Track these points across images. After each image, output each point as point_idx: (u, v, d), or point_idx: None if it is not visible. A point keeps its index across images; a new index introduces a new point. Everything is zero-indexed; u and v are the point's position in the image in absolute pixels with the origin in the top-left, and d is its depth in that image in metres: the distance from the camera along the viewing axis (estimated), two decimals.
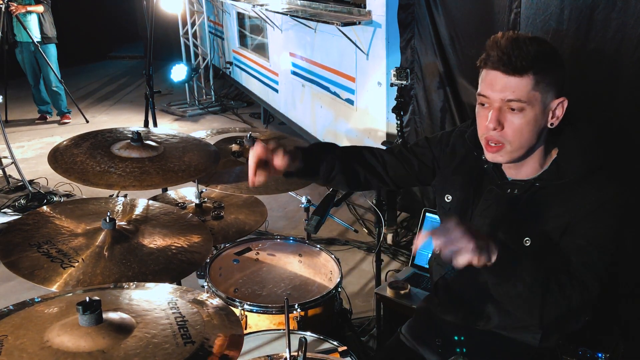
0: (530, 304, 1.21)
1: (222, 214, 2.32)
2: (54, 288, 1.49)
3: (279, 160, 1.37)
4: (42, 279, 1.51)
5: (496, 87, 1.27)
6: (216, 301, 1.35)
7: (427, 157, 1.58)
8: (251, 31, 6.53)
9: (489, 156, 1.34)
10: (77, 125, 6.39)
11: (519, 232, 1.34)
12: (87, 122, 6.50)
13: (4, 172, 4.52)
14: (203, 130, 2.59)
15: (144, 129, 2.25)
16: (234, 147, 2.36)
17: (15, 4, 5.69)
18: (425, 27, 3.13)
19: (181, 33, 7.15)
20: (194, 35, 7.15)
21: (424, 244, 1.19)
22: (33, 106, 6.63)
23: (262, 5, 5.17)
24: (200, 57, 7.32)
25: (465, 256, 1.11)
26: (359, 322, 2.79)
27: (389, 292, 2.29)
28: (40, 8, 5.88)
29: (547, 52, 1.26)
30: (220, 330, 1.22)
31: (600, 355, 1.68)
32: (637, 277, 2.03)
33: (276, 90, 5.74)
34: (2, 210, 4.05)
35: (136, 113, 6.78)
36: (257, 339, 1.75)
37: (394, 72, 2.95)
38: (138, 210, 1.92)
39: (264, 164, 1.38)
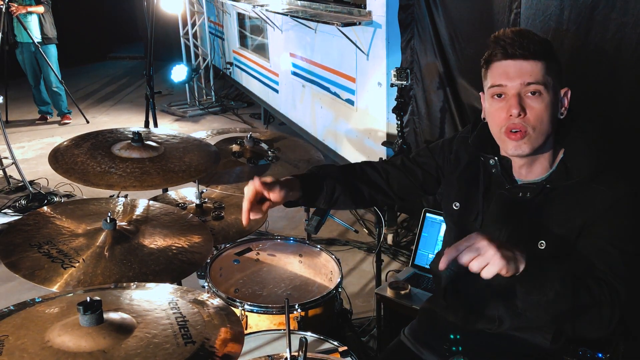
0: (562, 311, 1.18)
1: (222, 214, 2.32)
2: (55, 288, 1.49)
3: (276, 196, 1.34)
4: (43, 279, 1.52)
5: (512, 74, 1.28)
6: (217, 301, 1.35)
7: (430, 166, 1.57)
8: (251, 31, 6.53)
9: (512, 147, 1.31)
10: (77, 126, 6.40)
11: (532, 236, 1.33)
12: (88, 122, 6.51)
13: (5, 172, 4.52)
14: (203, 131, 2.59)
15: (144, 129, 2.25)
16: (235, 147, 2.37)
17: (16, 5, 5.70)
18: (425, 27, 3.14)
19: (181, 33, 7.16)
20: (194, 36, 7.15)
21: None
22: (33, 107, 6.64)
23: (262, 5, 5.17)
24: (200, 57, 7.33)
25: (493, 267, 1.08)
26: (359, 322, 2.79)
27: (389, 293, 2.29)
28: (40, 9, 5.89)
29: (548, 42, 1.31)
30: (221, 330, 1.22)
31: (600, 355, 1.68)
32: (637, 276, 2.02)
33: (276, 91, 5.75)
34: (2, 211, 4.06)
35: (136, 113, 6.79)
36: (258, 339, 1.75)
37: (394, 73, 2.95)
38: (138, 211, 1.92)
39: (259, 199, 1.35)
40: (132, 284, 1.42)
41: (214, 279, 2.07)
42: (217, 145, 2.34)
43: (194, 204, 2.36)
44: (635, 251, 1.27)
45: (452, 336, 1.52)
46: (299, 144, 2.57)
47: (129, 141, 2.06)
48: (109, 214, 1.71)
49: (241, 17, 6.64)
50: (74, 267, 1.56)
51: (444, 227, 2.41)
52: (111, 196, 3.08)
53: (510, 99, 1.29)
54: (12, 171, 4.54)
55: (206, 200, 2.40)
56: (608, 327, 1.22)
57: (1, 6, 5.41)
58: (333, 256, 2.17)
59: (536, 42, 1.27)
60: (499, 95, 1.32)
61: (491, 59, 1.32)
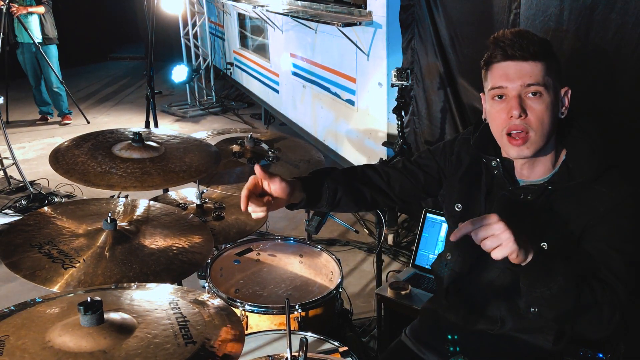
0: (564, 308, 1.19)
1: (223, 214, 2.32)
2: (55, 288, 1.50)
3: (276, 187, 1.30)
4: (44, 279, 1.52)
5: (512, 75, 1.28)
6: (217, 301, 1.35)
7: (432, 167, 1.57)
8: (252, 32, 6.53)
9: (514, 151, 1.31)
10: (78, 126, 6.40)
11: (534, 237, 1.32)
12: (88, 122, 6.51)
13: (5, 173, 4.53)
14: (204, 131, 2.59)
15: (145, 129, 2.26)
16: (235, 147, 2.37)
17: (17, 5, 5.70)
18: (425, 27, 3.14)
19: (182, 34, 7.16)
20: (195, 36, 7.16)
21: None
22: (34, 107, 6.65)
23: (262, 6, 5.17)
24: (201, 57, 7.33)
25: (505, 249, 1.10)
26: (359, 322, 2.79)
27: (389, 293, 2.29)
28: (41, 9, 5.90)
29: (547, 42, 1.31)
30: (222, 330, 1.23)
31: (601, 355, 1.68)
32: (637, 276, 2.02)
33: (277, 91, 5.75)
34: (3, 211, 4.06)
35: (137, 114, 6.79)
36: (258, 340, 1.75)
37: (395, 73, 2.95)
38: (139, 211, 1.93)
39: (260, 193, 1.31)
40: (132, 284, 1.42)
41: (214, 279, 2.07)
42: (217, 145, 2.35)
43: (195, 204, 2.36)
44: (636, 253, 1.27)
45: (449, 336, 1.52)
46: (299, 145, 2.57)
47: (130, 141, 2.06)
48: (110, 214, 1.72)
49: (242, 18, 6.64)
50: (75, 267, 1.57)
51: (444, 227, 2.41)
52: (112, 196, 3.09)
53: (510, 100, 1.29)
54: (12, 171, 4.54)
55: (207, 200, 2.40)
56: (607, 328, 1.22)
57: (2, 7, 5.42)
58: (333, 256, 2.17)
59: (535, 42, 1.27)
60: (500, 97, 1.32)
61: (491, 60, 1.32)
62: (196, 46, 7.24)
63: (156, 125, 3.73)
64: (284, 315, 1.56)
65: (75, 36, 9.07)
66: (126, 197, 2.82)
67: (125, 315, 1.21)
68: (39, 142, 5.95)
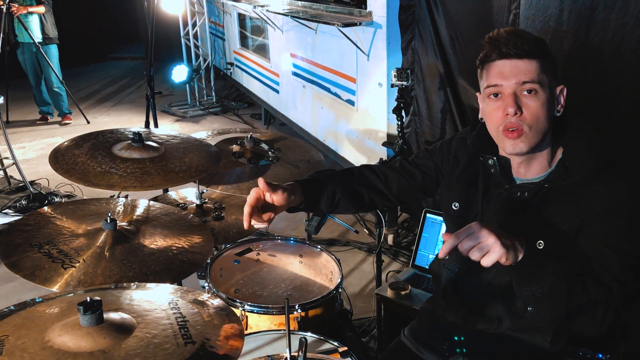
0: (557, 306, 1.19)
1: (222, 214, 2.32)
2: (55, 288, 1.50)
3: (279, 198, 1.32)
4: (43, 279, 1.52)
5: (507, 73, 1.29)
6: (217, 302, 1.35)
7: (429, 167, 1.57)
8: (252, 32, 6.53)
9: (510, 145, 1.32)
10: (78, 126, 6.40)
11: (531, 235, 1.33)
12: (88, 122, 6.51)
13: (5, 172, 4.53)
14: (204, 131, 2.59)
15: (145, 129, 2.26)
16: (235, 147, 2.37)
17: (17, 5, 5.71)
18: (425, 28, 3.14)
19: (182, 34, 7.17)
20: (195, 36, 7.16)
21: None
22: (34, 107, 6.65)
23: (263, 6, 5.18)
24: (201, 58, 7.33)
25: (493, 255, 1.09)
26: (359, 322, 2.79)
27: (389, 293, 2.29)
28: (41, 9, 5.90)
29: (542, 40, 1.32)
30: (221, 330, 1.23)
31: (600, 355, 1.68)
32: (637, 277, 2.02)
33: (277, 91, 5.75)
34: (3, 211, 4.06)
35: (137, 114, 6.79)
36: (258, 340, 1.75)
37: (395, 73, 2.95)
38: (139, 211, 1.93)
39: (262, 206, 1.31)
40: (132, 284, 1.42)
41: (214, 279, 2.07)
42: (217, 145, 2.35)
43: (195, 204, 2.36)
44: (632, 252, 1.27)
45: (455, 338, 1.52)
46: (299, 145, 2.57)
47: (130, 141, 2.06)
48: (110, 214, 1.72)
49: (242, 18, 6.64)
50: (75, 267, 1.57)
51: (444, 227, 2.41)
52: (112, 196, 3.09)
53: (506, 98, 1.29)
54: (12, 171, 4.54)
55: (206, 200, 2.40)
56: (601, 326, 1.23)
57: (2, 6, 5.42)
58: (333, 256, 2.17)
59: (530, 41, 1.28)
60: (495, 95, 1.32)
61: (486, 59, 1.33)
62: (196, 46, 7.25)
63: (156, 125, 3.73)
64: (284, 316, 1.56)
65: (76, 36, 9.07)
66: (126, 197, 2.82)
67: (125, 315, 1.21)
68: (39, 142, 5.95)
